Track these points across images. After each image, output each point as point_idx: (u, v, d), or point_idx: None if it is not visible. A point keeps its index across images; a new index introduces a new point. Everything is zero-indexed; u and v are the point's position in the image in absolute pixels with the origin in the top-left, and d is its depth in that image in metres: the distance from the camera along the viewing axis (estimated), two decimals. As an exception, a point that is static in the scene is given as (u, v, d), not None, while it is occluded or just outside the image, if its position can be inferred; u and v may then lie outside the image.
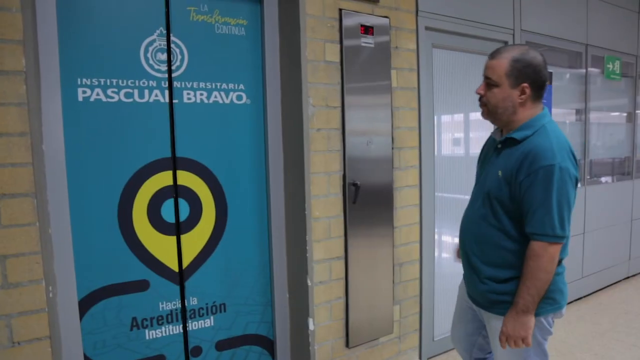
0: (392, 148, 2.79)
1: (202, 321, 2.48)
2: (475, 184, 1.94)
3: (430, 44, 3.03)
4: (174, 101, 2.32)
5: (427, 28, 2.95)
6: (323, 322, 2.59)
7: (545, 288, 1.64)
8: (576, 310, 4.07)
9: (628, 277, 4.92)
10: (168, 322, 2.37)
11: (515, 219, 1.71)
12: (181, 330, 2.40)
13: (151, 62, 2.24)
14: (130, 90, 2.19)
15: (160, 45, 2.26)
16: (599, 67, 4.37)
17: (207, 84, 2.40)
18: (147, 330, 2.31)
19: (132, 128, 2.21)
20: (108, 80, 2.13)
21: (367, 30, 2.62)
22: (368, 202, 2.67)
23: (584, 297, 4.38)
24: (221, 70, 2.44)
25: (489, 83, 1.72)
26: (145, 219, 2.28)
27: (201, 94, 2.39)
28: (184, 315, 2.41)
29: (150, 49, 2.23)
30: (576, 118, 4.30)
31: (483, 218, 1.79)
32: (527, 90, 1.67)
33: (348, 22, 2.55)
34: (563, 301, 1.78)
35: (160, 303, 2.34)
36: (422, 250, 3.01)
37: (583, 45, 4.12)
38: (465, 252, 1.92)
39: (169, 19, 2.28)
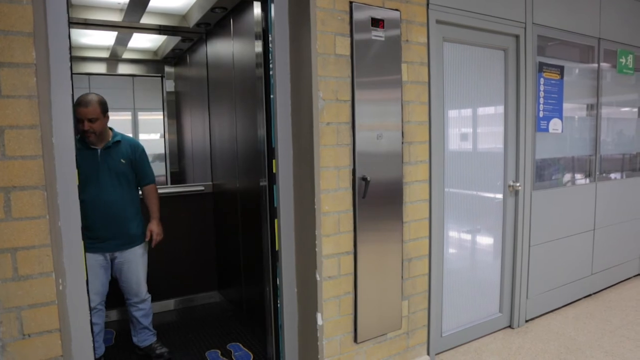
0: (402, 143, 2.77)
1: None
2: (99, 179, 2.84)
3: (441, 38, 3.00)
4: None
5: (438, 21, 2.92)
6: (331, 317, 2.58)
7: None
8: (585, 307, 4.04)
9: (638, 274, 4.87)
10: None
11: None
12: None
13: None
14: None
15: None
16: (611, 62, 4.31)
17: None
18: None
19: None
20: None
21: (378, 23, 2.59)
22: (378, 196, 2.65)
23: (594, 294, 4.35)
24: None
25: (91, 119, 2.75)
26: None
27: None
28: (274, 292, 2.71)
29: None
30: (587, 113, 4.25)
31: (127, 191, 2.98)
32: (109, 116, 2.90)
33: (358, 15, 2.52)
34: None
35: None
36: (432, 245, 2.99)
37: (595, 39, 4.06)
38: (118, 216, 2.90)
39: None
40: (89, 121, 2.74)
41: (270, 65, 2.54)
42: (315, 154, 2.43)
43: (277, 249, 2.65)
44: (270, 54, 2.54)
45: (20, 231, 1.78)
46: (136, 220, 3.00)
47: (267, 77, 2.57)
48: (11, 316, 1.78)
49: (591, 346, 3.32)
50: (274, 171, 2.61)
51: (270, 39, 2.54)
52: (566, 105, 3.86)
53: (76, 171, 2.01)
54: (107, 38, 4.64)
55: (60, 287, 1.90)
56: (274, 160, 2.59)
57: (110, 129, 2.93)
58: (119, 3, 3.73)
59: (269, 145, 2.64)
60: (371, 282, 2.69)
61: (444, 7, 2.93)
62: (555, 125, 3.77)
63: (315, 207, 2.46)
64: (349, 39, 2.52)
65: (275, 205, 2.63)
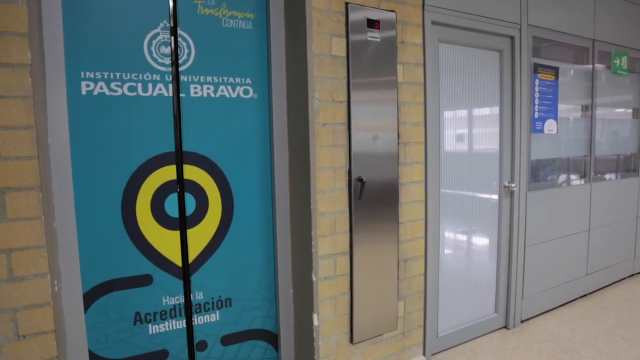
0: (398, 143, 2.77)
1: (208, 316, 2.48)
2: None
3: (437, 39, 3.01)
4: (181, 95, 2.32)
5: (433, 22, 2.93)
6: (327, 318, 2.58)
7: None
8: (581, 308, 4.06)
9: (633, 275, 4.89)
10: (171, 317, 2.37)
11: None
12: (184, 325, 2.41)
13: (155, 55, 2.23)
14: (134, 84, 2.18)
15: (164, 38, 2.24)
16: (606, 63, 4.34)
17: (214, 77, 2.40)
18: (150, 325, 2.32)
19: (136, 122, 2.21)
20: (111, 74, 2.13)
21: (374, 24, 2.60)
22: (373, 197, 2.66)
23: (589, 294, 4.37)
24: (228, 64, 2.44)
25: None
26: (149, 214, 2.28)
27: (208, 88, 2.39)
28: (189, 309, 2.42)
29: (154, 42, 2.22)
30: (582, 114, 4.27)
31: None
32: None
33: (354, 16, 2.53)
34: None
35: (163, 298, 2.34)
36: (427, 246, 3.00)
37: (590, 40, 4.08)
38: None
39: (176, 12, 2.28)
40: None
41: (180, 62, 2.34)
42: (311, 155, 2.44)
43: (189, 262, 2.42)
44: (180, 51, 2.35)
45: (15, 232, 1.78)
46: None
47: (178, 76, 2.34)
48: (6, 317, 1.78)
49: (586, 346, 3.34)
50: (185, 177, 2.37)
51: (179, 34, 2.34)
52: (561, 106, 3.88)
53: (71, 171, 2.02)
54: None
55: (56, 289, 1.90)
56: (184, 166, 2.36)
57: None
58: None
59: (179, 148, 2.36)
60: (367, 283, 2.69)
61: (440, 8, 2.94)
62: (550, 126, 3.79)
63: (312, 207, 2.46)
64: (345, 40, 2.52)
65: (187, 214, 2.40)
